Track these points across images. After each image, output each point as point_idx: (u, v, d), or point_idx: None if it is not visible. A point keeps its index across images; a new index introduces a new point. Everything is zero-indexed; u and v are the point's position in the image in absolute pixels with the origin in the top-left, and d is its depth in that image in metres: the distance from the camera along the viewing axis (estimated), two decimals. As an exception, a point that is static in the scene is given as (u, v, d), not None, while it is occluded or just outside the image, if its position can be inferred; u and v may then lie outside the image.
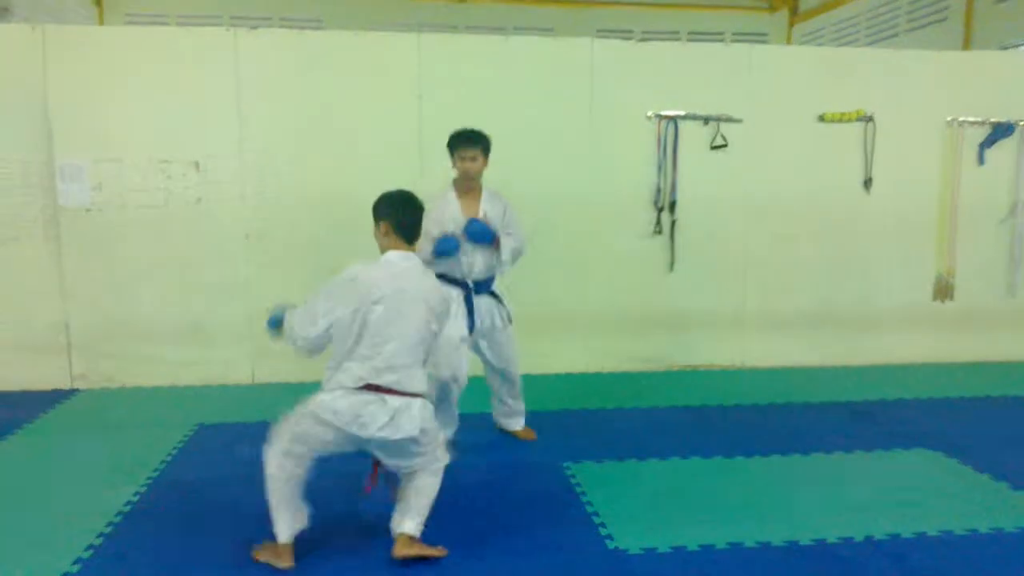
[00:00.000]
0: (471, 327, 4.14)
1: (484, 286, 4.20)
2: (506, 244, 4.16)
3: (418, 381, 2.99)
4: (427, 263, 3.74)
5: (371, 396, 2.88)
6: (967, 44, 9.33)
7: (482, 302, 4.18)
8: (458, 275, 4.13)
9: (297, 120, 5.48)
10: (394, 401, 2.89)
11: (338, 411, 2.87)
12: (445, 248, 4.04)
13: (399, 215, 3.11)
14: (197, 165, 5.39)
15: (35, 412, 4.88)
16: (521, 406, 4.52)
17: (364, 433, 2.87)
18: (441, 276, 3.89)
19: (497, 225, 4.16)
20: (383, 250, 3.11)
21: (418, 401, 2.96)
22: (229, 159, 5.41)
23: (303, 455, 2.96)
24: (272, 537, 2.99)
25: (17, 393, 5.27)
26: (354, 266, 2.99)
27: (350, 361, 2.90)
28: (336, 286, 2.95)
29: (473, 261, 4.13)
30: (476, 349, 4.30)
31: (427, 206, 3.45)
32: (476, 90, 5.60)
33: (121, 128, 5.31)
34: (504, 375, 4.38)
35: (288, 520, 2.97)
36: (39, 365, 5.37)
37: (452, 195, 4.19)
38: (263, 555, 3.02)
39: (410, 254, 3.09)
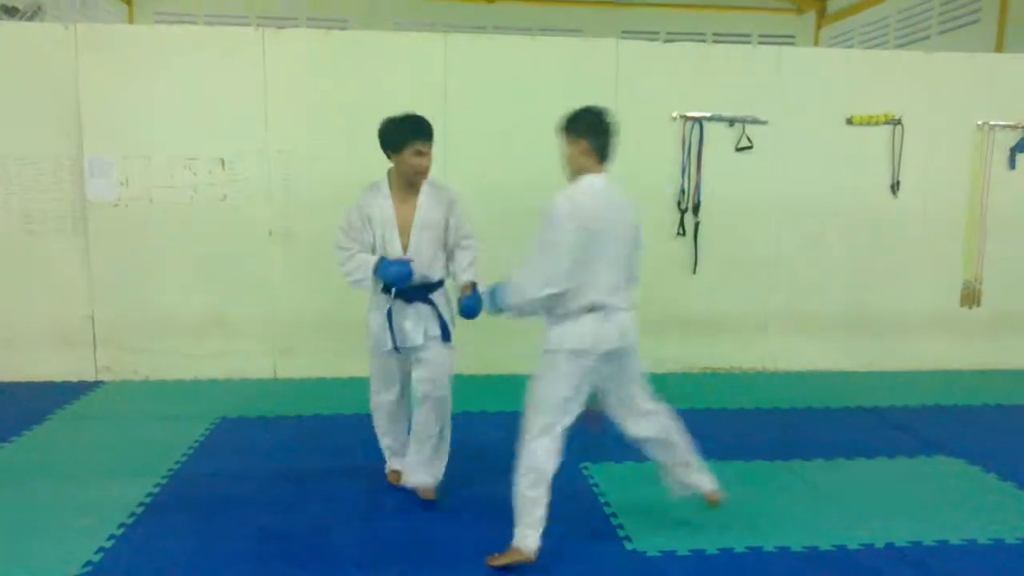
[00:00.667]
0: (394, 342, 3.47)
1: (420, 292, 3.50)
2: (464, 258, 3.60)
3: (626, 297, 3.09)
4: (348, 274, 3.49)
5: (599, 315, 2.96)
6: (1000, 46, 9.17)
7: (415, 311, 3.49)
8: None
9: (322, 119, 5.52)
10: (618, 316, 3.01)
11: (583, 334, 2.94)
12: (396, 277, 3.36)
13: (602, 137, 3.05)
14: (223, 163, 5.44)
15: (60, 403, 4.96)
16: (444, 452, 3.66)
17: (610, 346, 2.98)
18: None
19: (439, 225, 3.51)
20: (578, 169, 3.05)
21: (630, 313, 3.10)
22: (254, 157, 5.46)
23: (557, 422, 2.99)
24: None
25: (43, 384, 5.36)
26: (562, 201, 2.93)
27: (577, 289, 2.92)
28: (558, 230, 2.89)
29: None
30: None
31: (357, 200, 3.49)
32: (501, 90, 5.63)
33: (149, 125, 5.38)
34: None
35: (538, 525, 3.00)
36: (65, 357, 5.46)
37: (385, 192, 3.52)
38: (502, 560, 3.01)
39: (604, 175, 3.06)
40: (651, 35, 11.11)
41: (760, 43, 11.70)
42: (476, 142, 5.64)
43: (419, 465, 3.56)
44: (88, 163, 5.35)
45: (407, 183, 3.50)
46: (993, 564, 3.10)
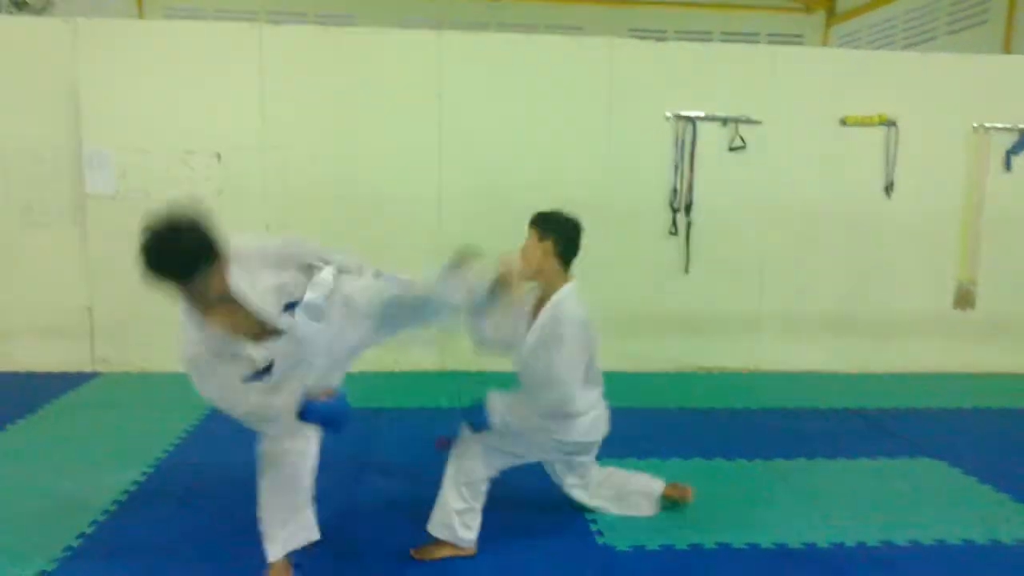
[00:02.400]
0: None
1: None
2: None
3: None
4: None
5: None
6: (1008, 47, 9.11)
7: None
8: None
9: (318, 115, 5.58)
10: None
11: (597, 428, 3.22)
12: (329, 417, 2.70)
13: (576, 245, 3.18)
14: (219, 157, 5.51)
15: (55, 394, 5.04)
16: None
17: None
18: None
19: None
20: (555, 277, 3.10)
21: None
22: (250, 152, 5.52)
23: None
24: None
25: (40, 375, 5.46)
26: (572, 312, 3.06)
27: (583, 388, 3.11)
28: (577, 340, 3.05)
29: None
30: None
31: None
32: (495, 89, 5.68)
33: (147, 119, 5.46)
34: None
35: None
36: (63, 348, 5.56)
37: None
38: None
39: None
40: (659, 33, 11.09)
41: (768, 42, 11.68)
42: (470, 140, 5.69)
43: None
44: (87, 156, 5.43)
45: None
46: (961, 564, 3.11)
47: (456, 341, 5.80)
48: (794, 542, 3.24)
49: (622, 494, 3.46)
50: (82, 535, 3.14)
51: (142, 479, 3.71)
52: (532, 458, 3.23)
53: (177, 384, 5.25)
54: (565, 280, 3.12)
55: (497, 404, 3.12)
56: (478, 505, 3.10)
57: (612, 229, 5.82)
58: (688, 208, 5.84)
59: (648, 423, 4.81)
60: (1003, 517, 3.53)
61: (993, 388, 5.78)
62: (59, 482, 3.67)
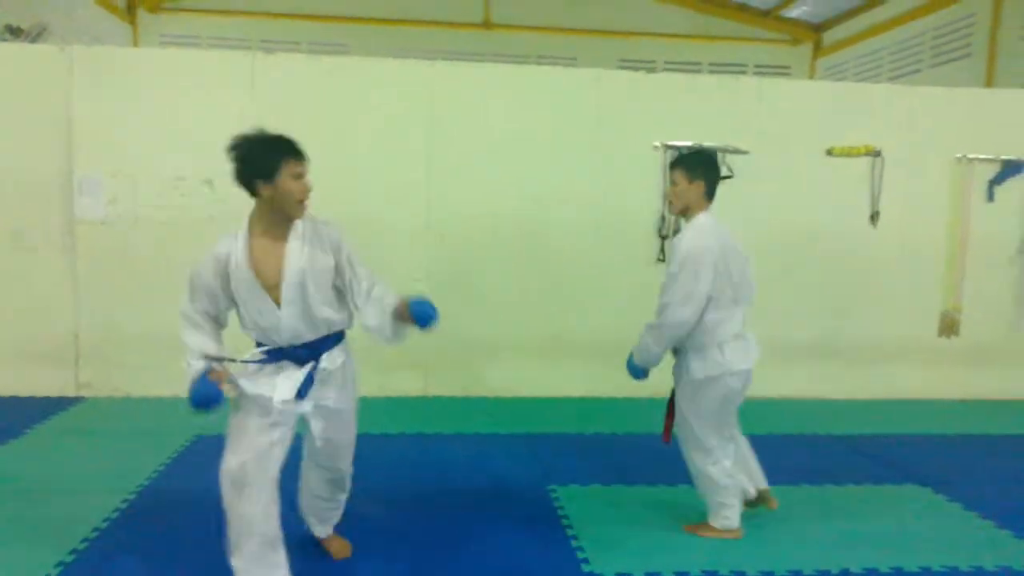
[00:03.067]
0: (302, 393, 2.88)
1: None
2: (373, 315, 2.91)
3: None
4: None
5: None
6: (990, 81, 9.27)
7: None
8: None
9: (309, 143, 5.45)
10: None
11: (738, 359, 3.38)
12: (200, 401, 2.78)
13: (714, 178, 3.43)
14: (211, 183, 5.54)
15: (38, 418, 5.01)
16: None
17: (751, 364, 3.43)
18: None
19: (324, 273, 2.87)
20: (691, 208, 3.40)
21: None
22: (241, 178, 5.54)
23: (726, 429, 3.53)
24: None
25: (24, 399, 5.43)
26: (692, 240, 3.30)
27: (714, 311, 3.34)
28: (696, 263, 3.26)
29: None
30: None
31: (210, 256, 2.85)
32: (485, 119, 5.74)
33: (139, 145, 5.48)
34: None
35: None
36: (48, 372, 5.53)
37: (242, 238, 2.85)
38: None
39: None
40: (648, 64, 11.25)
41: (756, 74, 11.86)
42: (460, 170, 5.75)
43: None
44: (77, 181, 5.45)
45: (280, 220, 2.84)
46: (945, 592, 3.12)
47: (440, 366, 5.83)
48: (780, 569, 3.24)
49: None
50: (60, 563, 3.11)
51: (123, 506, 3.69)
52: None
53: (161, 409, 5.29)
54: (703, 209, 3.40)
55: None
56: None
57: (599, 255, 5.88)
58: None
59: (634, 448, 4.81)
60: (988, 544, 3.54)
61: (978, 414, 5.82)
62: (40, 509, 3.65)
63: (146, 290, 5.55)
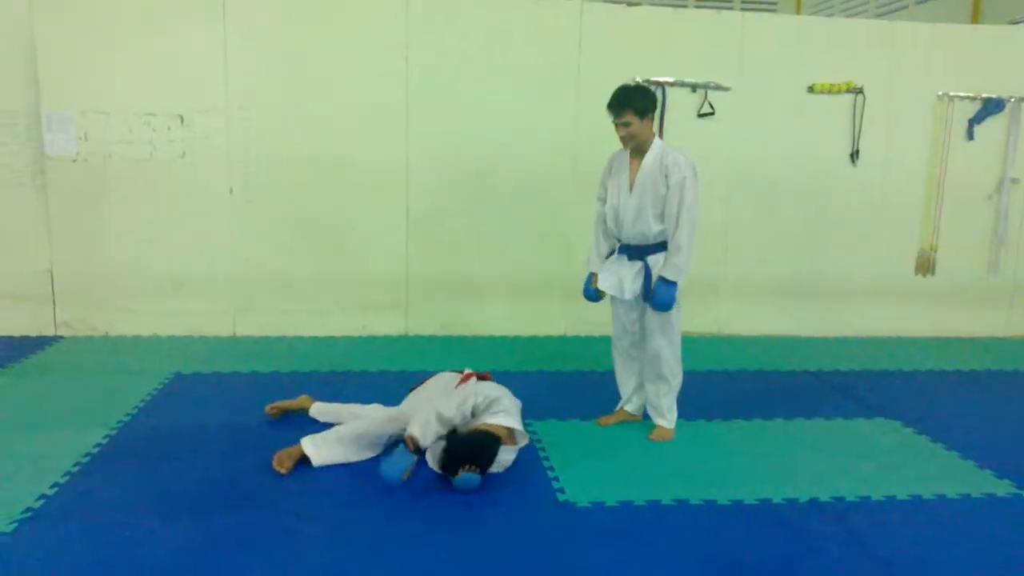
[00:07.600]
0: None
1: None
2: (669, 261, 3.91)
3: None
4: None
5: None
6: (976, 17, 9.19)
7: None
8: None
9: (284, 76, 5.50)
10: None
11: None
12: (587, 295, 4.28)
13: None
14: (182, 119, 5.43)
15: (17, 357, 5.00)
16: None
17: None
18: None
19: (653, 189, 3.82)
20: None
21: None
22: (214, 114, 5.44)
23: None
24: None
25: (2, 338, 5.40)
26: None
27: None
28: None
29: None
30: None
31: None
32: (463, 52, 5.62)
33: (108, 80, 5.35)
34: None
35: None
36: (25, 312, 5.49)
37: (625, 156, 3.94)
38: None
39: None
40: (631, -1, 11.03)
41: (742, 9, 11.64)
42: (438, 104, 5.65)
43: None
44: (46, 118, 5.32)
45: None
46: (909, 518, 3.21)
47: (420, 305, 5.84)
48: (749, 498, 3.32)
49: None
50: (42, 496, 3.13)
51: (104, 441, 3.70)
52: None
53: (139, 348, 5.29)
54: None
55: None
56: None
57: (579, 193, 5.83)
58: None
59: (612, 385, 4.85)
60: (949, 473, 3.65)
61: (950, 351, 5.93)
62: (21, 445, 3.65)
63: (120, 227, 5.49)
